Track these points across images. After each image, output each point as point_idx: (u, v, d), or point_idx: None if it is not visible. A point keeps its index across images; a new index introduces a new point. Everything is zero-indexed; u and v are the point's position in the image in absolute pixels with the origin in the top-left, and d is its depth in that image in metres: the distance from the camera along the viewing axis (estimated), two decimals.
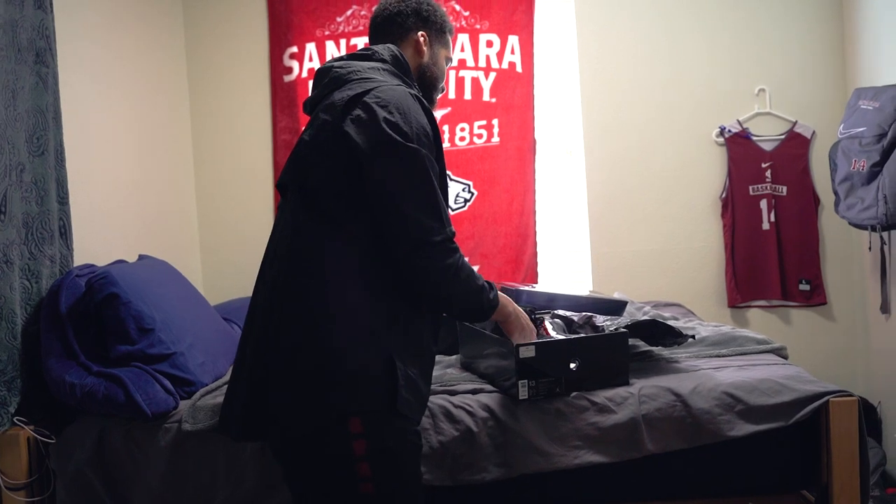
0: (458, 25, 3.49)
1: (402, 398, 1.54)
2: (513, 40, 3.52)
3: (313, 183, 1.61)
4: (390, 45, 1.77)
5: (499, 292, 1.74)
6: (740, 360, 2.18)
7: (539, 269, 3.54)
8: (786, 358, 2.30)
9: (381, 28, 1.83)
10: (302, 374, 1.54)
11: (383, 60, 1.72)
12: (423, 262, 1.55)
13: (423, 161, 1.55)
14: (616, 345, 2.02)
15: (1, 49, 2.07)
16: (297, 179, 1.65)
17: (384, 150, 1.54)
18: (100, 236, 2.70)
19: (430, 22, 1.83)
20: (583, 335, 2.10)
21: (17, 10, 2.15)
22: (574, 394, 1.95)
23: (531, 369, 1.91)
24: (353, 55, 1.76)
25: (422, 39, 1.81)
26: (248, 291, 3.44)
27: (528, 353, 1.90)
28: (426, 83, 1.84)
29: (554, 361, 1.93)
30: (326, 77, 1.70)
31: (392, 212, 1.55)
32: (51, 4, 2.33)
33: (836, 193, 3.12)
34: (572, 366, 1.95)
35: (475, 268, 3.46)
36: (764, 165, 3.50)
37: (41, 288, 2.19)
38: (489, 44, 3.53)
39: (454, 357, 2.41)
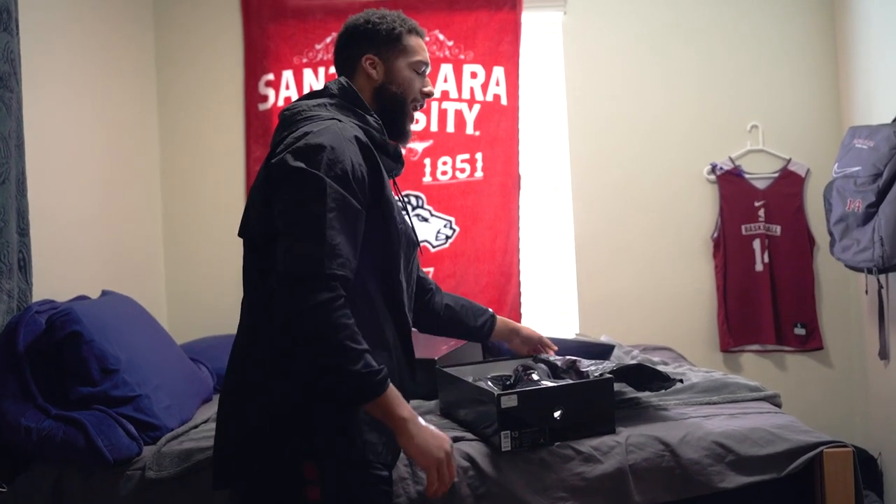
0: (441, 55, 3.57)
1: (365, 441, 1.56)
2: (498, 72, 3.59)
3: (252, 228, 1.65)
4: (342, 78, 1.80)
5: (391, 385, 1.53)
6: (732, 408, 2.21)
7: (523, 310, 3.57)
8: (779, 406, 2.33)
9: (336, 63, 1.87)
10: (257, 414, 1.58)
11: (331, 95, 1.76)
12: (279, 293, 1.48)
13: (324, 191, 1.50)
14: (602, 391, 2.04)
15: None
16: (244, 228, 1.69)
17: (287, 176, 1.54)
18: (61, 270, 2.70)
19: (375, 38, 1.80)
20: (567, 381, 2.12)
21: None
22: (558, 443, 1.98)
23: (513, 419, 1.93)
24: (306, 95, 1.81)
25: (367, 63, 1.80)
26: (216, 330, 3.51)
27: (510, 402, 1.92)
28: (389, 104, 1.82)
29: (537, 410, 1.95)
30: (280, 120, 1.75)
31: (280, 238, 1.52)
32: (17, 27, 2.36)
33: (830, 234, 3.18)
34: (556, 414, 1.97)
35: None
36: (757, 204, 3.58)
37: None
38: (473, 75, 3.60)
39: (433, 402, 2.42)
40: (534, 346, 2.33)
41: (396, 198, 1.77)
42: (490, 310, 2.27)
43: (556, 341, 2.37)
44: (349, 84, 1.78)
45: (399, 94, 1.82)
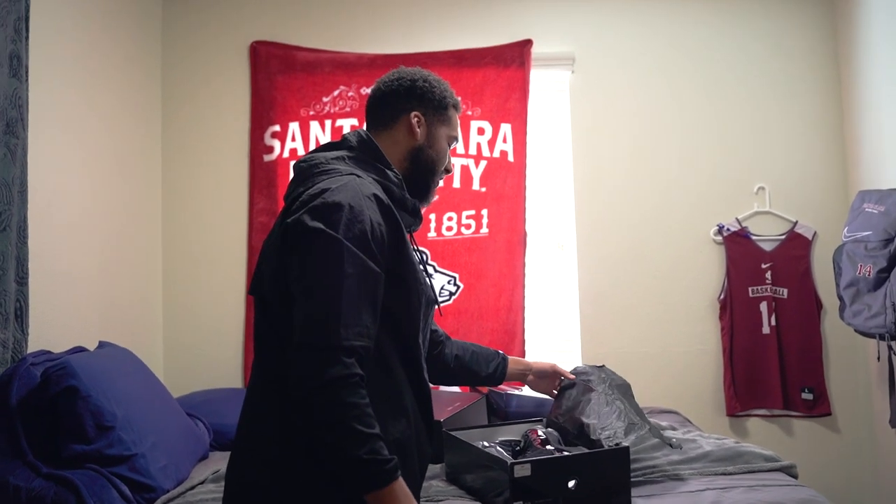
0: None
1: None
2: (505, 128, 3.57)
3: (265, 288, 1.57)
4: (361, 131, 1.74)
5: (400, 480, 1.40)
6: (749, 480, 2.13)
7: None
8: (795, 476, 2.25)
9: (372, 109, 1.80)
10: (269, 480, 1.49)
11: (350, 147, 1.70)
12: (294, 364, 1.40)
13: (342, 255, 1.44)
14: (617, 461, 1.96)
15: None
16: (256, 286, 1.62)
17: (302, 237, 1.47)
18: (57, 320, 2.62)
19: (427, 100, 1.76)
20: (581, 450, 2.04)
21: None
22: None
23: (526, 489, 1.84)
24: (323, 146, 1.75)
25: (415, 120, 1.75)
26: (213, 383, 3.42)
27: (523, 471, 1.83)
28: (422, 167, 1.77)
29: (551, 480, 1.87)
30: (295, 172, 1.69)
31: (296, 303, 1.45)
32: (26, 73, 2.32)
33: (840, 298, 3.13)
34: (571, 485, 1.88)
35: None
36: (764, 266, 3.53)
37: None
38: (481, 131, 3.57)
39: (438, 466, 2.33)
40: (551, 381, 2.29)
41: (416, 255, 1.70)
42: (500, 353, 2.22)
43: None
44: (369, 137, 1.72)
45: (434, 160, 1.78)
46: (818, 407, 3.50)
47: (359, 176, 1.59)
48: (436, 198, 3.45)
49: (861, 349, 3.49)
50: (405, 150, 1.75)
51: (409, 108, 1.75)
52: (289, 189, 1.68)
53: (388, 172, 1.69)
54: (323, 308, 1.41)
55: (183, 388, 3.25)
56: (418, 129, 1.74)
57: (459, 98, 1.86)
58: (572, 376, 2.27)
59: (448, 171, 1.86)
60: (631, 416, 2.17)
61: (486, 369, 2.16)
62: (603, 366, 2.32)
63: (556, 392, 2.31)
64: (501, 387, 3.03)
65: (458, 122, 1.85)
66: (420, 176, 1.77)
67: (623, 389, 2.25)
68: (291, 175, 1.73)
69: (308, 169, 1.64)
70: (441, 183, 1.89)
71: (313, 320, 1.41)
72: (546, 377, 2.28)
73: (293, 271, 1.48)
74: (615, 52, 3.67)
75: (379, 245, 1.51)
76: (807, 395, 3.49)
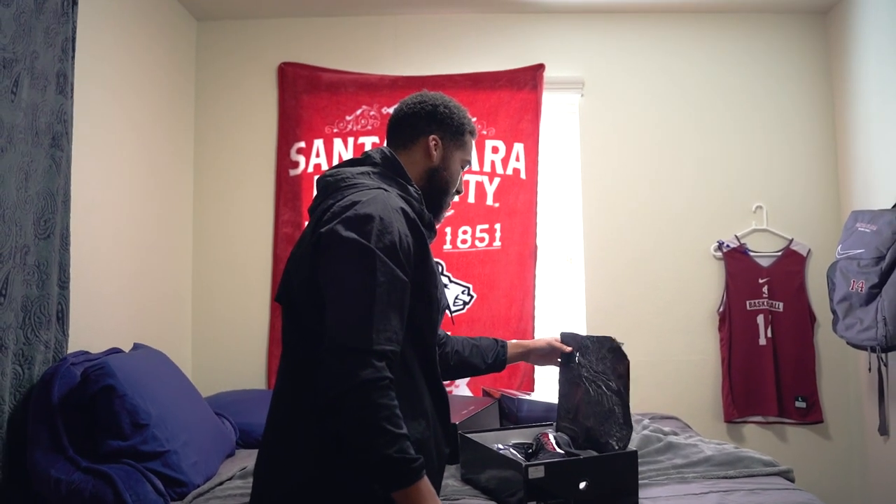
0: None
1: None
2: (518, 147, 3.56)
3: (295, 295, 1.57)
4: (384, 148, 1.76)
5: (425, 478, 1.40)
6: (749, 483, 2.10)
7: (536, 376, 3.47)
8: (792, 480, 2.21)
9: (394, 129, 1.82)
10: (299, 478, 1.49)
11: (374, 164, 1.71)
12: (326, 366, 1.39)
13: (373, 264, 1.44)
14: (626, 464, 1.94)
15: (20, 132, 2.05)
16: (284, 293, 1.62)
17: (336, 246, 1.47)
18: (95, 322, 2.62)
19: (446, 125, 1.79)
20: (591, 453, 2.02)
21: (39, 95, 2.15)
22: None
23: (540, 490, 1.82)
24: (347, 161, 1.76)
25: (433, 143, 1.77)
26: (238, 385, 3.41)
27: (537, 473, 1.81)
28: (436, 187, 1.79)
29: (563, 481, 1.85)
30: (320, 186, 1.69)
31: (328, 308, 1.45)
32: (72, 90, 2.33)
33: (834, 312, 3.11)
34: (582, 486, 1.86)
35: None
36: (761, 281, 3.51)
37: (33, 374, 2.10)
38: (495, 150, 3.56)
39: (454, 467, 2.31)
40: (551, 357, 2.22)
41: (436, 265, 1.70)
42: (499, 341, 2.17)
43: (567, 336, 2.24)
44: (392, 154, 1.73)
45: (448, 181, 1.81)
46: (811, 415, 3.46)
47: (386, 190, 1.60)
48: (450, 213, 3.50)
49: (852, 361, 3.46)
50: (422, 169, 1.77)
51: (429, 131, 1.78)
52: (315, 202, 1.68)
53: (410, 188, 1.69)
54: (355, 313, 1.41)
55: (210, 389, 3.24)
56: (435, 152, 1.77)
57: (476, 125, 1.87)
58: (568, 349, 2.20)
59: (459, 192, 1.87)
60: (612, 398, 2.09)
61: (485, 361, 2.11)
62: (591, 336, 2.20)
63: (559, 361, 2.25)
64: (513, 392, 3.03)
65: (473, 146, 1.87)
66: (434, 195, 1.79)
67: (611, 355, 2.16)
68: (316, 189, 1.73)
69: (335, 183, 1.64)
70: (456, 199, 1.90)
71: (346, 325, 1.40)
72: (546, 355, 2.22)
73: (325, 278, 1.47)
74: (622, 77, 3.67)
75: (406, 256, 1.51)
76: (800, 404, 3.46)
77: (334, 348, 1.39)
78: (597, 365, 2.11)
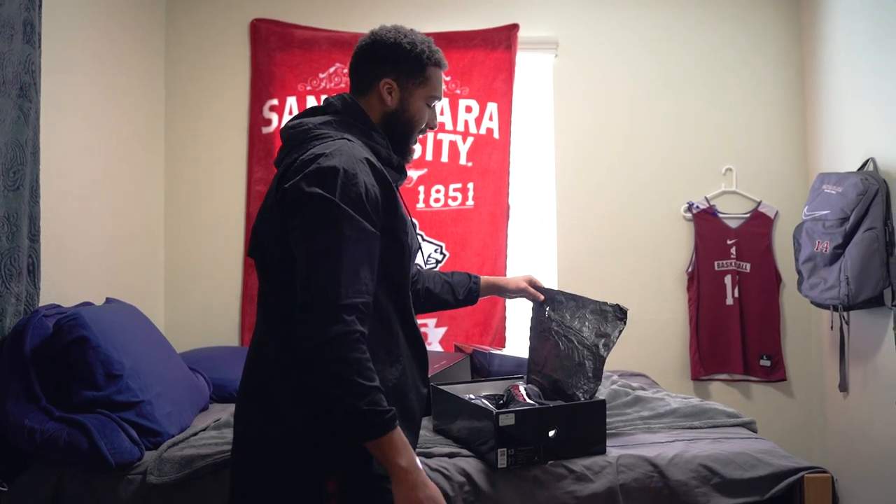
0: None
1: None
2: (492, 107, 3.56)
3: (266, 250, 1.56)
4: (346, 94, 1.70)
5: (398, 429, 1.42)
6: (713, 433, 2.17)
7: (508, 334, 3.51)
8: (755, 431, 2.29)
9: (351, 75, 1.74)
10: (278, 429, 1.50)
11: (336, 111, 1.66)
12: (298, 323, 1.41)
13: (339, 218, 1.43)
14: (594, 413, 1.99)
15: None
16: (255, 248, 1.61)
17: (301, 202, 1.46)
18: (66, 276, 2.60)
19: (401, 65, 1.68)
20: (560, 403, 2.07)
21: (5, 44, 2.11)
22: (552, 462, 1.91)
23: (510, 437, 1.87)
24: (309, 110, 1.71)
25: (385, 88, 1.68)
26: (211, 341, 3.42)
27: (507, 420, 1.86)
28: (398, 130, 1.71)
29: (533, 429, 1.90)
30: (284, 138, 1.66)
31: (298, 264, 1.45)
32: (39, 40, 2.29)
33: (799, 273, 3.18)
34: (551, 433, 1.91)
35: (437, 332, 3.43)
36: (729, 242, 3.57)
37: (4, 326, 2.09)
38: (468, 109, 3.56)
39: (426, 418, 2.34)
40: (527, 296, 2.25)
41: (406, 209, 1.68)
42: (473, 276, 2.16)
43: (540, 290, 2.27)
44: (353, 100, 1.68)
45: (408, 124, 1.72)
46: (775, 373, 3.55)
47: (350, 140, 1.57)
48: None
49: (816, 320, 3.55)
50: (379, 115, 1.70)
51: (382, 74, 1.68)
52: (279, 155, 1.65)
53: (374, 134, 1.66)
54: (323, 269, 1.41)
55: (184, 346, 3.24)
56: (388, 96, 1.69)
57: (442, 53, 1.75)
58: (540, 296, 2.23)
59: (432, 126, 1.79)
60: (583, 353, 2.11)
61: (456, 296, 2.11)
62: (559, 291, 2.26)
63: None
64: (484, 346, 3.07)
65: (441, 78, 1.76)
66: (397, 137, 1.72)
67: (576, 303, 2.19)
68: (281, 141, 1.69)
69: (298, 135, 1.61)
70: (436, 135, 1.78)
71: (314, 281, 1.41)
72: (523, 295, 2.25)
73: (293, 235, 1.47)
74: (595, 38, 3.67)
75: (374, 206, 1.50)
76: (765, 362, 3.55)
77: (304, 305, 1.40)
78: (570, 321, 2.15)
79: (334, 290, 1.40)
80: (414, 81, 1.71)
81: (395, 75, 1.69)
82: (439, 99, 1.78)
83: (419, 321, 1.76)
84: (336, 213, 1.44)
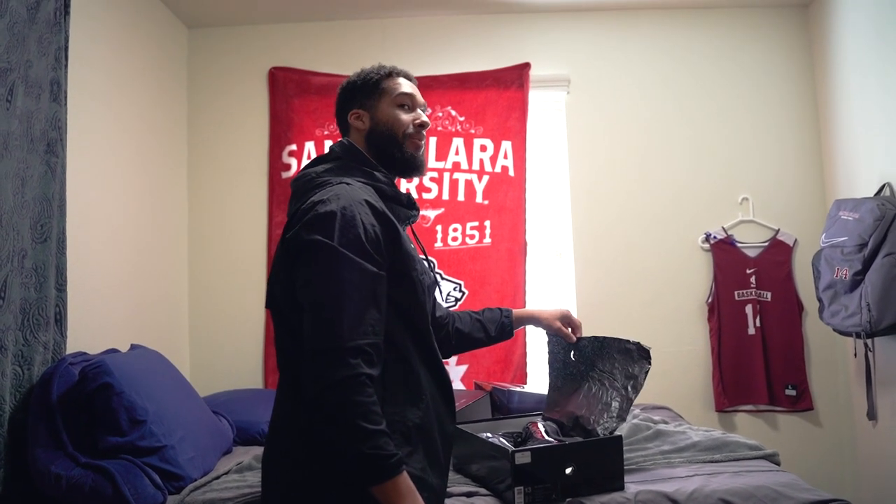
0: (453, 130, 3.59)
1: None
2: (506, 145, 3.61)
3: (279, 299, 1.58)
4: (344, 139, 1.73)
5: (404, 474, 1.40)
6: (734, 466, 2.15)
7: (529, 370, 3.51)
8: (778, 464, 2.26)
9: (337, 125, 1.81)
10: (300, 471, 1.50)
11: (336, 157, 1.69)
12: (305, 369, 1.42)
13: (339, 261, 1.45)
14: (612, 449, 1.98)
15: (16, 139, 2.10)
16: (270, 298, 1.63)
17: (302, 250, 1.48)
18: (92, 324, 2.67)
19: (357, 94, 1.74)
20: (577, 439, 2.06)
21: (33, 103, 2.20)
22: (569, 500, 1.91)
23: (527, 475, 1.87)
24: (313, 160, 1.74)
25: (353, 118, 1.72)
26: (235, 384, 3.45)
27: (523, 458, 1.86)
28: (381, 145, 1.71)
29: (549, 467, 1.89)
30: (292, 190, 1.69)
31: (304, 312, 1.46)
32: (65, 98, 2.38)
33: (819, 300, 3.16)
34: (568, 471, 1.91)
35: (459, 370, 3.43)
36: (749, 271, 3.55)
37: (32, 375, 2.15)
38: (483, 148, 3.61)
39: None
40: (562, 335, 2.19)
41: (413, 246, 1.69)
42: (504, 311, 2.12)
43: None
44: (350, 143, 1.71)
45: (386, 132, 1.70)
46: (801, 402, 3.51)
47: (348, 183, 1.59)
48: (440, 210, 3.54)
49: (840, 348, 3.51)
50: (363, 144, 1.71)
51: (347, 110, 1.74)
52: (289, 206, 1.68)
53: (376, 174, 1.67)
54: (326, 314, 1.42)
55: (207, 389, 3.29)
56: (359, 122, 1.72)
57: (398, 67, 1.78)
58: (572, 337, 2.16)
59: (423, 125, 1.76)
60: (612, 394, 2.07)
61: (488, 333, 2.07)
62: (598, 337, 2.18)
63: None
64: (505, 384, 3.07)
65: (402, 83, 1.76)
66: (385, 153, 1.71)
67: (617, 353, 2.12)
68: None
69: (302, 185, 1.64)
70: (421, 142, 1.75)
71: (318, 326, 1.42)
72: (557, 328, 2.19)
73: (298, 283, 1.49)
74: (607, 74, 3.72)
75: (374, 245, 1.50)
76: (790, 391, 3.51)
77: (310, 351, 1.42)
78: (602, 364, 2.12)
79: (338, 334, 1.41)
80: (373, 98, 1.73)
81: (357, 104, 1.73)
82: (410, 96, 1.76)
83: None
84: (336, 257, 1.45)
